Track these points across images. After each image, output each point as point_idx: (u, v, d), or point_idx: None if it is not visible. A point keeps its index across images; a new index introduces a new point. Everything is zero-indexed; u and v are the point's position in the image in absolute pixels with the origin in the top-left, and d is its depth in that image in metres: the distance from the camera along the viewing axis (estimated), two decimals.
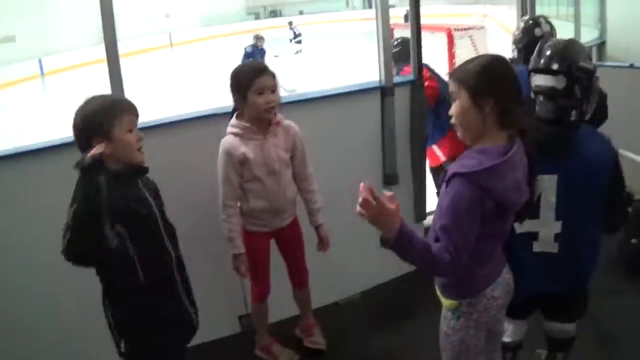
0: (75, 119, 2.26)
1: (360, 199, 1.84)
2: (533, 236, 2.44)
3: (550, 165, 2.31)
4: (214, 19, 41.80)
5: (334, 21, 45.83)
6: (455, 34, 6.70)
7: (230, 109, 3.10)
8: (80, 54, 26.71)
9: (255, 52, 14.14)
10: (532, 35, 3.77)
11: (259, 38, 14.68)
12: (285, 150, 3.06)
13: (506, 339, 2.65)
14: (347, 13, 49.87)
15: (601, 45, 6.72)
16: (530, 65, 2.49)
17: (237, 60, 10.67)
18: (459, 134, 2.04)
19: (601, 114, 3.12)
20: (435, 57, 6.72)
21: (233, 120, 3.01)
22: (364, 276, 4.05)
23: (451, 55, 6.36)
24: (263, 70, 2.93)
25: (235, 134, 2.97)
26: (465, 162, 1.95)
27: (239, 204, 3.09)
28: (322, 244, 3.27)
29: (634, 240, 4.07)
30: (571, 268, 2.45)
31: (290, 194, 3.13)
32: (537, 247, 2.45)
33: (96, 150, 2.07)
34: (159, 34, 32.68)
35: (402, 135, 3.99)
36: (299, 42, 23.89)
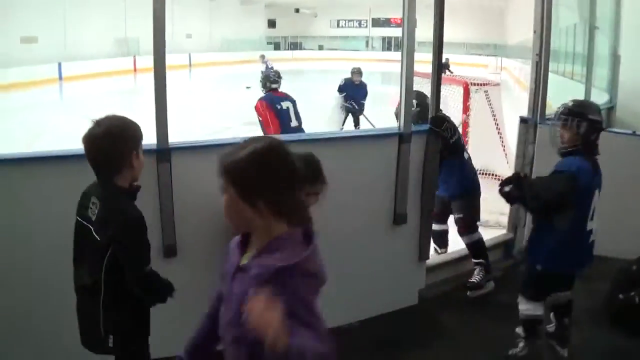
0: (103, 141, 2.39)
1: None
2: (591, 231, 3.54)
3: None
4: (234, 45, 42.16)
5: (353, 59, 46.05)
6: (471, 88, 6.98)
7: None
8: (99, 64, 27.03)
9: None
10: None
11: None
12: None
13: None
14: (367, 53, 50.19)
15: (610, 109, 6.95)
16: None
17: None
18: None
19: None
20: (451, 108, 7.05)
21: None
22: (366, 305, 4.29)
23: (466, 108, 6.66)
24: None
25: None
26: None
27: None
28: None
29: (621, 296, 4.30)
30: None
31: None
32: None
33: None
34: (179, 53, 33.02)
35: (414, 179, 4.28)
36: None
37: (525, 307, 3.71)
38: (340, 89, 11.74)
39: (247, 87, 19.86)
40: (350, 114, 11.77)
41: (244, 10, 46.84)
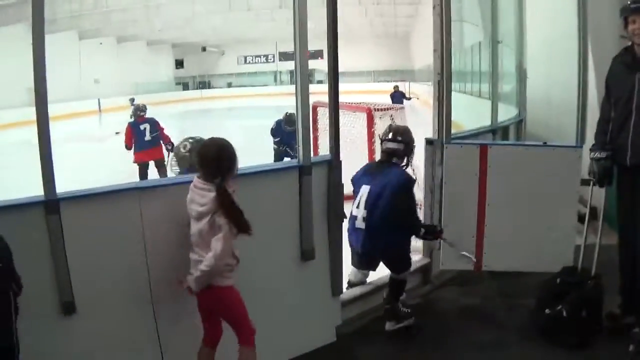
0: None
1: None
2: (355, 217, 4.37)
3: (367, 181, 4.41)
4: (143, 87, 41.78)
5: (262, 94, 46.32)
6: (376, 114, 6.90)
7: None
8: (9, 114, 26.17)
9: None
10: None
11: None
12: None
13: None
14: (276, 87, 50.59)
15: (519, 123, 7.00)
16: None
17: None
18: None
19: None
20: (356, 135, 6.97)
21: None
22: (282, 347, 4.07)
23: (370, 135, 6.55)
24: None
25: None
26: None
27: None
28: None
29: (547, 311, 4.27)
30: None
31: None
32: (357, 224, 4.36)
33: None
34: (87, 99, 32.29)
35: (319, 212, 4.11)
36: None
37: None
38: (273, 133, 10.48)
39: (116, 133, 19.55)
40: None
41: (151, 51, 46.50)
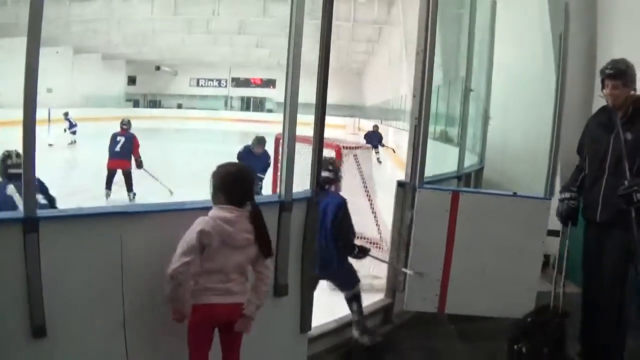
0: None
1: None
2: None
3: None
4: (93, 101, 41.22)
5: (212, 118, 46.15)
6: (343, 151, 6.92)
7: None
8: None
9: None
10: None
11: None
12: None
13: None
14: (226, 112, 50.59)
15: (480, 170, 7.12)
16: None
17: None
18: None
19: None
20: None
21: None
22: None
23: None
24: None
25: None
26: None
27: None
28: None
29: (516, 347, 4.32)
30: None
31: None
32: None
33: None
34: (39, 107, 31.59)
35: (294, 248, 4.06)
36: (74, 132, 23.91)
37: None
38: (240, 158, 10.07)
39: (50, 145, 21.25)
40: None
41: (106, 65, 45.92)
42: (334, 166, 5.11)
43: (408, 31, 22.38)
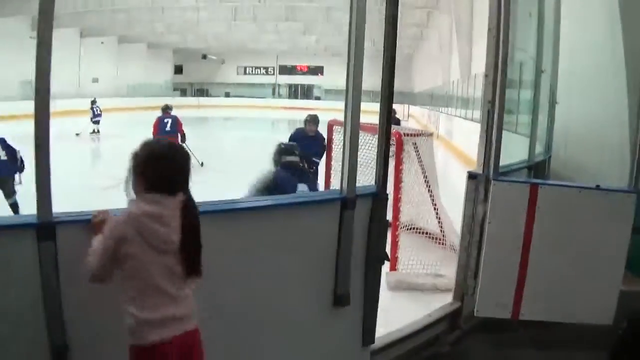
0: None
1: None
2: None
3: None
4: (140, 90, 41.60)
5: (259, 106, 46.26)
6: (405, 139, 6.30)
7: None
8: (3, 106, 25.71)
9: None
10: None
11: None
12: None
13: None
14: (274, 100, 50.75)
15: (548, 160, 6.55)
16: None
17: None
18: None
19: None
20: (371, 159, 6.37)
21: None
22: None
23: (398, 162, 5.98)
24: None
25: None
26: None
27: None
28: None
29: None
30: None
31: None
32: None
33: None
34: (84, 98, 31.80)
35: (357, 252, 3.55)
36: (97, 122, 23.52)
37: None
38: (291, 141, 9.53)
39: (77, 134, 21.80)
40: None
41: (151, 54, 46.22)
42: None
43: (458, 15, 21.80)
